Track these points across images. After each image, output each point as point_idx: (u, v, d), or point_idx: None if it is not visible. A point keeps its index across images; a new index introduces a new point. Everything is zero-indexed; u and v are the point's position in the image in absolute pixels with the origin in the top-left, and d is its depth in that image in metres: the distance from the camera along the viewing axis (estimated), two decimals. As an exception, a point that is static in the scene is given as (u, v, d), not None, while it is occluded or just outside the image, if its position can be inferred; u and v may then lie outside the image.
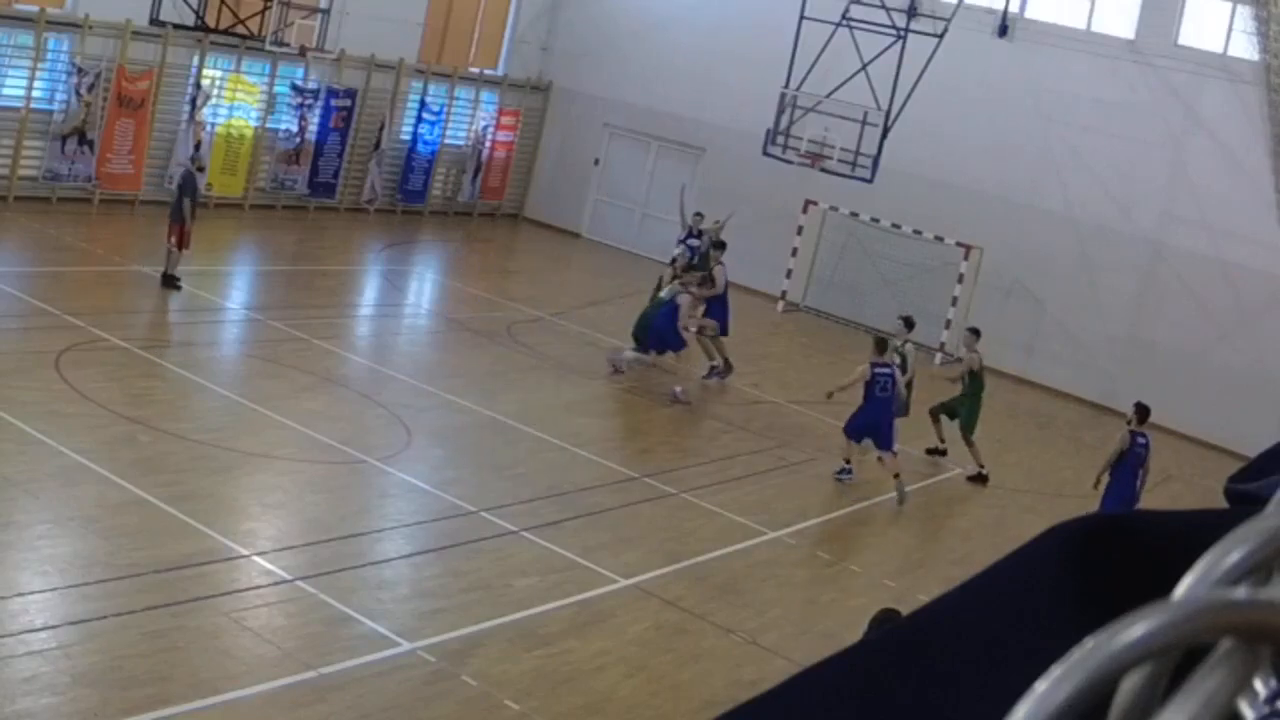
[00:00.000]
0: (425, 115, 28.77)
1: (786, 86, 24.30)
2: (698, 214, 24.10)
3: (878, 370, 17.12)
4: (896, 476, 16.66)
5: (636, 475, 15.65)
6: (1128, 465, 16.00)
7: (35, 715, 8.62)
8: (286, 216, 26.54)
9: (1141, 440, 16.04)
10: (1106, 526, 0.72)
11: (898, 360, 18.01)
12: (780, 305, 26.91)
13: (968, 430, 18.64)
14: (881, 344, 17.62)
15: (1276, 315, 22.93)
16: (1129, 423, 16.24)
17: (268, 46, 24.90)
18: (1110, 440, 17.02)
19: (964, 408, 18.80)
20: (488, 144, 30.12)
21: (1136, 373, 24.10)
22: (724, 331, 20.82)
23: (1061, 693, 0.49)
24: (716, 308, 20.75)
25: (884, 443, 17.01)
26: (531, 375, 19.17)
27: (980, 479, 18.48)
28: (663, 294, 20.05)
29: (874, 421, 17.06)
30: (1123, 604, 0.52)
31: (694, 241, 22.57)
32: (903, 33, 23.20)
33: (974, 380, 18.88)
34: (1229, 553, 0.54)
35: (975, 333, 19.31)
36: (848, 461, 17.29)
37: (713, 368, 20.71)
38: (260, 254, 24.54)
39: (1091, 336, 24.71)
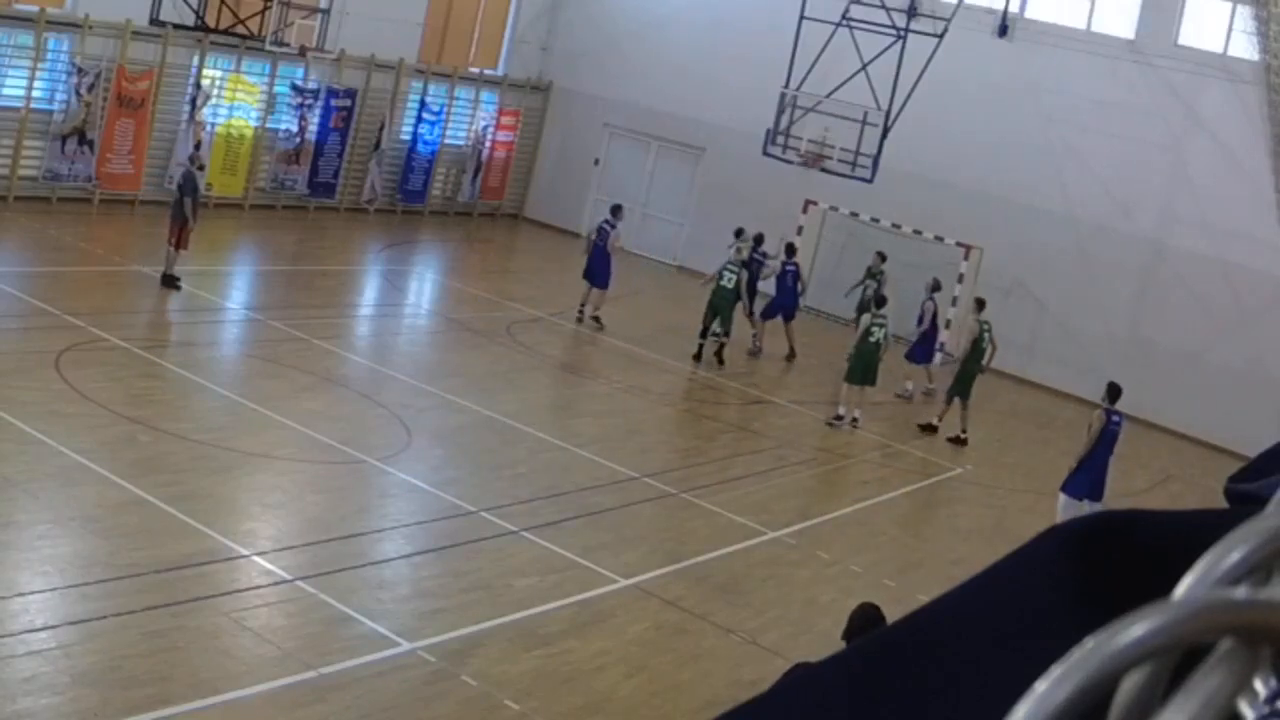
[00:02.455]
0: (425, 115, 28.77)
1: (786, 86, 24.29)
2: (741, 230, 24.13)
3: (603, 224, 22.80)
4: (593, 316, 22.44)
5: (636, 475, 15.65)
6: (1103, 444, 16.16)
7: (35, 715, 8.62)
8: (286, 216, 26.54)
9: (1115, 419, 16.26)
10: (1106, 526, 0.72)
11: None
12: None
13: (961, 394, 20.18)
14: (616, 209, 23.31)
15: (1276, 315, 22.92)
16: (1102, 402, 16.45)
17: (268, 46, 24.89)
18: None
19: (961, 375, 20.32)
20: (488, 144, 30.11)
21: (1136, 373, 24.07)
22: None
23: (1061, 693, 0.49)
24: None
25: (601, 282, 22.41)
26: (531, 375, 19.17)
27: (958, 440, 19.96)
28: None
29: (598, 270, 22.40)
30: (1123, 604, 0.52)
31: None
32: (903, 33, 23.20)
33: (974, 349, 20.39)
34: (1229, 553, 0.54)
35: (980, 304, 21.18)
36: (590, 309, 22.45)
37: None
38: (260, 254, 24.53)
39: (1091, 336, 24.70)
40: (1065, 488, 16.15)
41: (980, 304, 20.98)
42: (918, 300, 23.07)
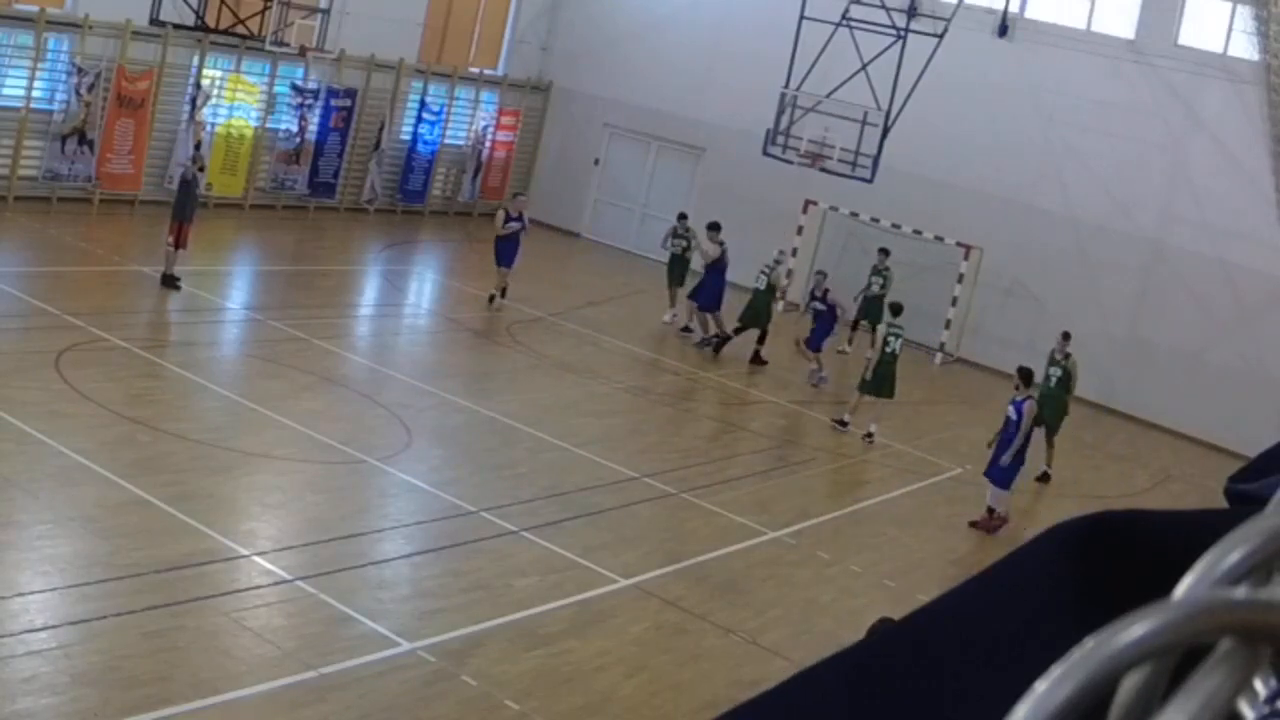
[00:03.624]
0: (425, 115, 28.77)
1: (786, 86, 24.29)
2: (683, 215, 24.48)
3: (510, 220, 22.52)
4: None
5: (636, 475, 15.65)
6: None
7: (35, 715, 8.62)
8: (286, 216, 26.54)
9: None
10: (1106, 526, 0.72)
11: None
12: (780, 305, 26.90)
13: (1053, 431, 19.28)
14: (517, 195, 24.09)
15: (1276, 315, 22.92)
16: (1028, 390, 16.53)
17: (268, 46, 24.90)
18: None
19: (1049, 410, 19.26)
20: (488, 144, 30.12)
21: (1136, 373, 24.10)
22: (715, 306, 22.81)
23: (1061, 693, 0.49)
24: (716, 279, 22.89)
25: (507, 262, 22.33)
26: (531, 375, 19.17)
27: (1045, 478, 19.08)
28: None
29: (505, 253, 22.30)
30: (1123, 604, 0.52)
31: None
32: (903, 33, 23.20)
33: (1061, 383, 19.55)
34: (1229, 553, 0.54)
35: (1066, 336, 20.03)
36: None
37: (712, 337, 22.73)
38: (260, 254, 24.54)
39: (1091, 336, 24.68)
40: (1001, 478, 16.26)
41: (1066, 336, 19.93)
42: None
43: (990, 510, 16.34)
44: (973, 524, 16.33)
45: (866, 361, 19.38)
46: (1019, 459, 16.37)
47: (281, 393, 15.97)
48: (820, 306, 21.82)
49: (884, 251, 24.89)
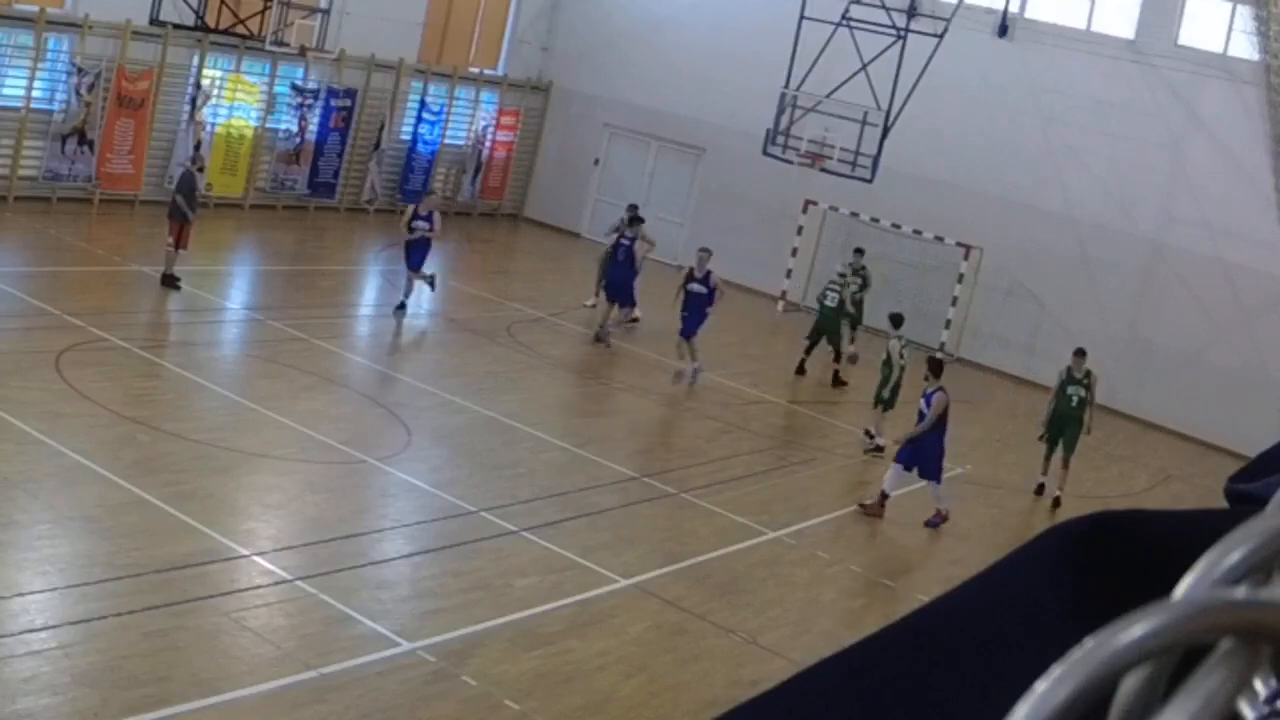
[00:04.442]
0: (425, 115, 28.77)
1: (786, 86, 24.29)
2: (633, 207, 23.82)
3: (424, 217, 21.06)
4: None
5: (636, 475, 15.65)
6: (946, 422, 16.18)
7: (35, 715, 8.62)
8: (286, 216, 26.54)
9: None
10: (1107, 526, 0.72)
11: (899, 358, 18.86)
12: (780, 305, 26.93)
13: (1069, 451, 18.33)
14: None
15: (1276, 315, 22.92)
16: (937, 380, 16.15)
17: (268, 46, 24.90)
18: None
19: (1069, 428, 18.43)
20: (488, 144, 30.12)
21: (1136, 373, 24.10)
22: (623, 301, 22.00)
23: (1061, 693, 0.49)
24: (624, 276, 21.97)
25: (414, 265, 21.03)
26: (531, 375, 19.17)
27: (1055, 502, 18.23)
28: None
29: (412, 255, 21.01)
30: (1123, 604, 0.52)
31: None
32: (903, 33, 23.20)
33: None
34: (1229, 553, 0.54)
35: (1081, 353, 18.81)
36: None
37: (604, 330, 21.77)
38: (260, 254, 24.53)
39: (1091, 336, 24.66)
40: (935, 472, 16.09)
41: (1082, 354, 18.66)
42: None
43: (879, 495, 16.06)
44: (861, 506, 16.07)
45: (884, 379, 18.67)
46: (940, 448, 16.02)
47: (281, 393, 15.97)
48: (700, 289, 20.15)
49: (859, 251, 24.48)
